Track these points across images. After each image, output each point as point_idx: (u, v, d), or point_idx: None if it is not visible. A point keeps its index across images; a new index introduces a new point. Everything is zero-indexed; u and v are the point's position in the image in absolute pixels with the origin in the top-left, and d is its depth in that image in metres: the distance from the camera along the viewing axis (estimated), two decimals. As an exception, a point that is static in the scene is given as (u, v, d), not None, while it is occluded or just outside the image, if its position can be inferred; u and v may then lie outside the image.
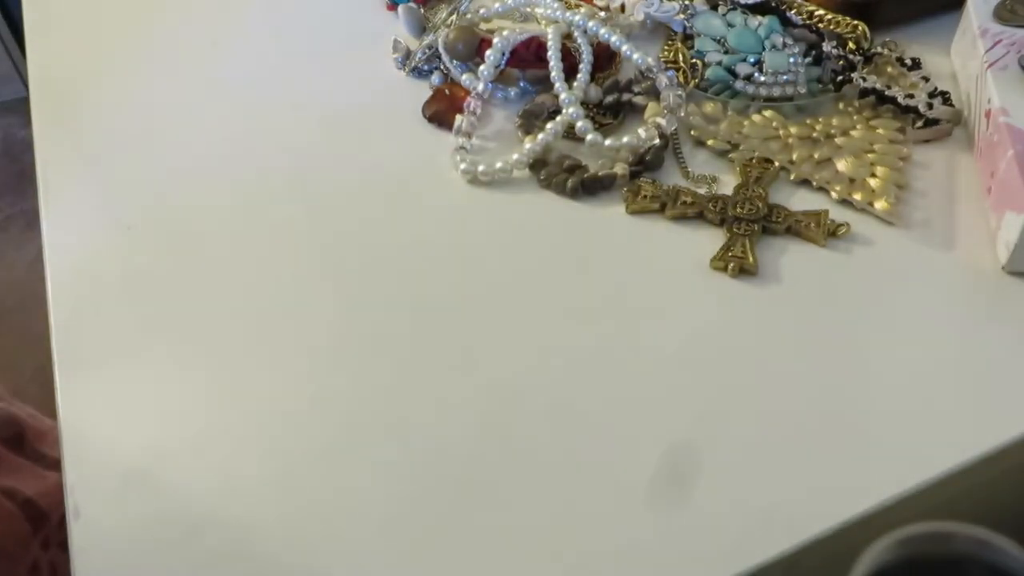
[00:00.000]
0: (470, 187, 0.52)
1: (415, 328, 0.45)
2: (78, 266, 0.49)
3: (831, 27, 0.59)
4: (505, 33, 0.56)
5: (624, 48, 0.56)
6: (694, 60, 0.57)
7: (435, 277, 0.47)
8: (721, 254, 0.46)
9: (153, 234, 0.51)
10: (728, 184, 0.51)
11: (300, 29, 0.66)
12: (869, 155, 0.51)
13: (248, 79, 0.61)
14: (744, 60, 0.56)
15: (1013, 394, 0.40)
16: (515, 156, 0.52)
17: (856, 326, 0.43)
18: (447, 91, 0.58)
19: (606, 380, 0.42)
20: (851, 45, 0.57)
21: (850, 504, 0.36)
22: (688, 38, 0.59)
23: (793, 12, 0.60)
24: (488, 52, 0.56)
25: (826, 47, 0.57)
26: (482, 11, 0.61)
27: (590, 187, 0.50)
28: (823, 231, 0.47)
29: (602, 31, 0.56)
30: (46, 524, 0.60)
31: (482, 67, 0.56)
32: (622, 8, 0.62)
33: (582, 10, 0.58)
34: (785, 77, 0.55)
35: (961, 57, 0.56)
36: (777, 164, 0.51)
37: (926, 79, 0.55)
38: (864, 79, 0.55)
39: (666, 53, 0.59)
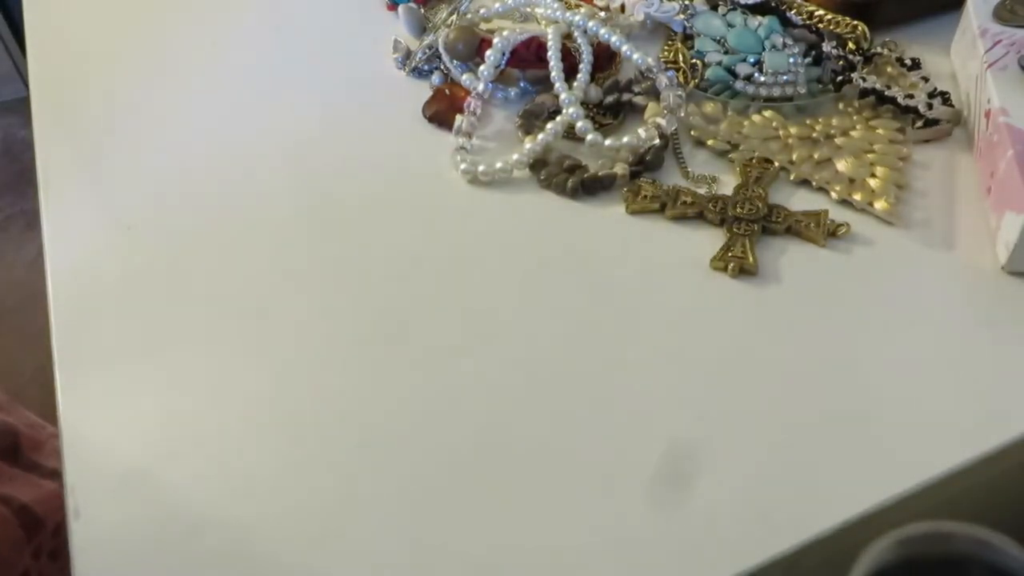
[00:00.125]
0: (470, 187, 0.52)
1: (415, 328, 0.45)
2: (78, 266, 0.49)
3: (831, 27, 0.59)
4: (505, 33, 0.56)
5: (624, 48, 0.56)
6: (694, 60, 0.57)
7: (435, 277, 0.47)
8: (721, 254, 0.46)
9: (153, 234, 0.51)
10: (728, 184, 0.51)
11: (300, 29, 0.66)
12: (869, 155, 0.51)
13: (248, 79, 0.61)
14: (744, 60, 0.56)
15: (1013, 394, 0.40)
16: (515, 156, 0.52)
17: (856, 326, 0.43)
18: (447, 91, 0.58)
19: (606, 380, 0.42)
20: (851, 45, 0.57)
21: (850, 504, 0.36)
22: (688, 38, 0.59)
23: (793, 12, 0.60)
24: (488, 52, 0.56)
25: (826, 47, 0.57)
26: (482, 11, 0.61)
27: (590, 187, 0.50)
28: (823, 231, 0.47)
29: (602, 31, 0.56)
30: (40, 531, 0.60)
31: (482, 67, 0.56)
32: (622, 8, 0.62)
33: (582, 10, 0.58)
34: (785, 77, 0.55)
35: (961, 57, 0.56)
36: (777, 164, 0.51)
37: (926, 79, 0.55)
38: (864, 79, 0.55)
39: (666, 53, 0.59)
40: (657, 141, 0.52)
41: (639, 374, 0.42)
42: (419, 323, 0.45)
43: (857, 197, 0.49)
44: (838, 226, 0.47)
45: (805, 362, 0.42)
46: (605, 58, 0.58)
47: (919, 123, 0.52)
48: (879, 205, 0.48)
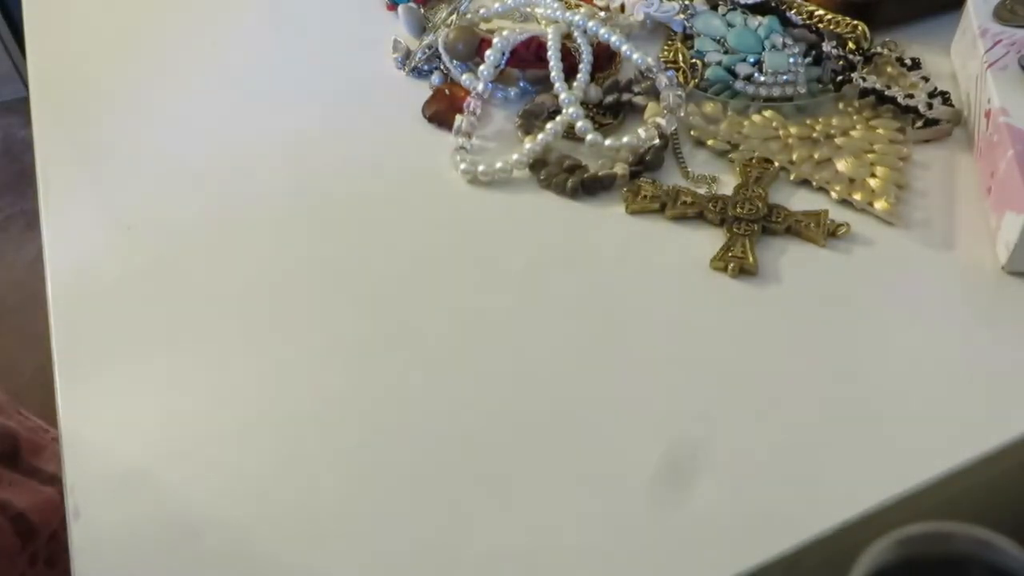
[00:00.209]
0: (470, 187, 0.52)
1: (415, 328, 0.45)
2: (78, 266, 0.49)
3: (831, 27, 0.59)
4: (505, 33, 0.56)
5: (624, 48, 0.56)
6: (694, 60, 0.57)
7: (435, 277, 0.47)
8: (721, 254, 0.46)
9: (153, 234, 0.51)
10: (728, 184, 0.51)
11: (300, 29, 0.66)
12: (869, 155, 0.51)
13: (248, 79, 0.61)
14: (744, 60, 0.56)
15: (1013, 394, 0.40)
16: (515, 156, 0.52)
17: (856, 326, 0.43)
18: (447, 91, 0.58)
19: (606, 380, 0.42)
20: (851, 45, 0.57)
21: (850, 504, 0.36)
22: (688, 38, 0.59)
23: (793, 12, 0.60)
24: (488, 52, 0.56)
25: (826, 47, 0.57)
26: (482, 11, 0.61)
27: (590, 187, 0.50)
28: (823, 231, 0.47)
29: (602, 31, 0.56)
30: (35, 539, 0.60)
31: (482, 67, 0.56)
32: (622, 8, 0.62)
33: (582, 10, 0.58)
34: (785, 77, 0.55)
35: (961, 57, 0.56)
36: (777, 164, 0.51)
37: (926, 79, 0.55)
38: (864, 79, 0.55)
39: (666, 53, 0.59)
40: (657, 141, 0.52)
41: (639, 374, 0.42)
42: (419, 323, 0.45)
43: (857, 197, 0.49)
44: (838, 226, 0.47)
45: (805, 362, 0.42)
46: (605, 58, 0.58)
47: (919, 123, 0.52)
48: (879, 205, 0.48)
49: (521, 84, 0.58)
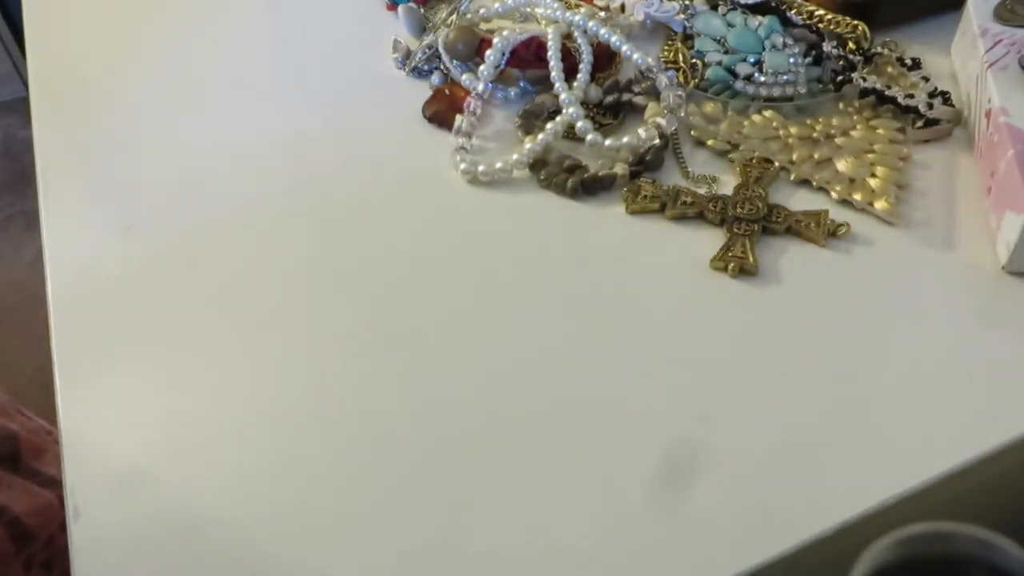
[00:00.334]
0: (470, 187, 0.52)
1: (415, 328, 0.45)
2: (78, 266, 0.49)
3: (831, 27, 0.59)
4: (505, 33, 0.56)
5: (624, 48, 0.56)
6: (694, 60, 0.57)
7: (435, 277, 0.47)
8: (721, 254, 0.46)
9: (153, 234, 0.51)
10: (728, 184, 0.51)
11: (300, 29, 0.66)
12: (869, 155, 0.51)
13: (248, 79, 0.61)
14: (744, 60, 0.56)
15: (1013, 394, 0.40)
16: (515, 156, 0.52)
17: (856, 326, 0.43)
18: (447, 91, 0.58)
19: (606, 380, 0.42)
20: (851, 45, 0.57)
21: (850, 504, 0.36)
22: (688, 38, 0.59)
23: (793, 12, 0.60)
24: (488, 52, 0.56)
25: (826, 47, 0.57)
26: (482, 11, 0.61)
27: (590, 187, 0.50)
28: (823, 231, 0.47)
29: (602, 31, 0.56)
30: (31, 544, 0.60)
31: (482, 67, 0.56)
32: (622, 8, 0.62)
33: (582, 10, 0.58)
34: (785, 77, 0.55)
35: (961, 57, 0.56)
36: (777, 164, 0.51)
37: (926, 79, 0.55)
38: (864, 79, 0.55)
39: (666, 53, 0.59)
40: (657, 141, 0.52)
41: (639, 374, 0.42)
42: (419, 322, 0.45)
43: (857, 197, 0.49)
44: (838, 226, 0.47)
45: (805, 362, 0.42)
46: (605, 58, 0.58)
47: (919, 123, 0.52)
48: (879, 205, 0.48)
49: (521, 84, 0.58)
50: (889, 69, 0.57)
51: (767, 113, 0.54)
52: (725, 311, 0.44)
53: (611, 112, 0.56)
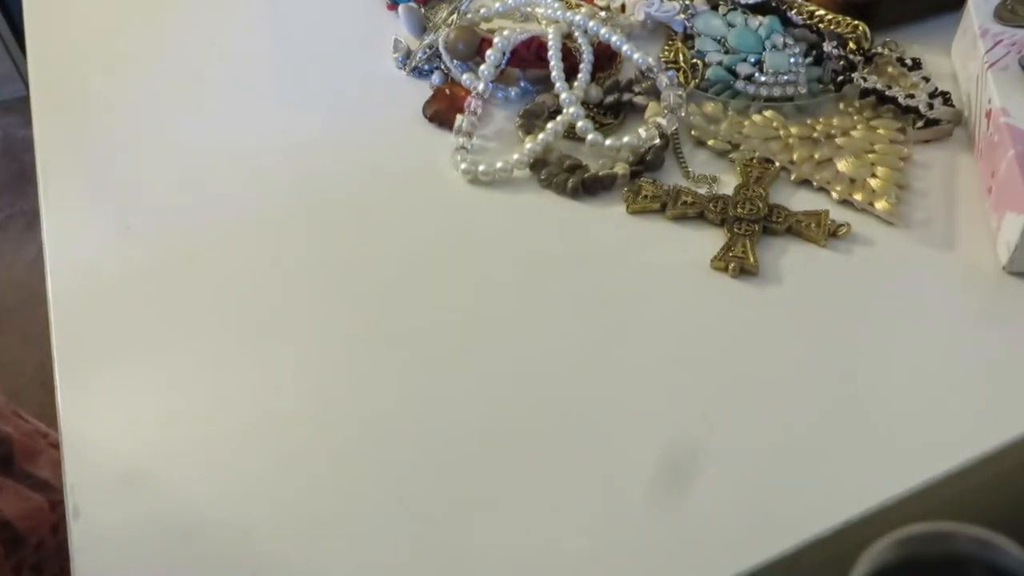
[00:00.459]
0: (470, 187, 0.52)
1: (415, 328, 0.45)
2: (78, 266, 0.49)
3: (831, 27, 0.59)
4: (506, 33, 0.56)
5: (624, 48, 0.56)
6: (694, 60, 0.57)
7: (436, 277, 0.47)
8: (721, 254, 0.46)
9: (153, 234, 0.51)
10: (728, 184, 0.51)
11: (300, 29, 0.66)
12: (870, 155, 0.51)
13: (248, 79, 0.61)
14: (744, 60, 0.56)
15: (1013, 394, 0.40)
16: (515, 156, 0.52)
17: (856, 326, 0.43)
18: (447, 91, 0.58)
19: (606, 380, 0.42)
20: (851, 45, 0.57)
21: (850, 504, 0.36)
22: (688, 38, 0.59)
23: (793, 12, 0.60)
24: (488, 52, 0.56)
25: (826, 47, 0.57)
26: (482, 11, 0.61)
27: (590, 187, 0.50)
28: (823, 231, 0.47)
29: (603, 31, 0.56)
30: (22, 547, 0.60)
31: (482, 67, 0.56)
32: (622, 8, 0.62)
33: (583, 10, 0.58)
34: (785, 77, 0.55)
35: (961, 57, 0.56)
36: (777, 164, 0.51)
37: (926, 79, 0.55)
38: (864, 79, 0.55)
39: (666, 53, 0.59)
40: (657, 141, 0.52)
41: (639, 374, 0.42)
42: (419, 323, 0.45)
43: (858, 197, 0.49)
44: (839, 226, 0.47)
45: (805, 362, 0.42)
46: (605, 58, 0.58)
47: (920, 123, 0.52)
48: (880, 205, 0.48)
49: (521, 84, 0.58)
50: (889, 69, 0.57)
51: (767, 113, 0.54)
52: (725, 311, 0.44)
53: (611, 112, 0.56)
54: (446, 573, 0.36)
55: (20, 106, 1.78)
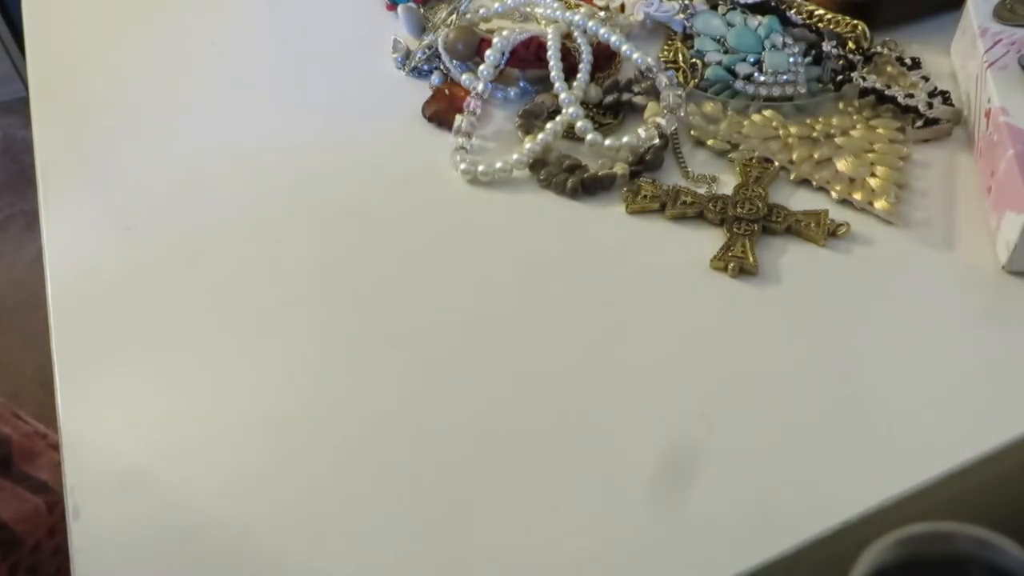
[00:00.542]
0: (470, 187, 0.52)
1: (415, 328, 0.45)
2: (78, 266, 0.49)
3: (831, 27, 0.59)
4: (505, 33, 0.56)
5: (624, 48, 0.56)
6: (694, 60, 0.57)
7: (435, 277, 0.47)
8: (721, 254, 0.46)
9: (153, 234, 0.51)
10: (728, 184, 0.51)
11: (300, 29, 0.66)
12: (869, 155, 0.51)
13: (247, 79, 0.61)
14: (744, 60, 0.56)
15: (1013, 394, 0.40)
16: (515, 156, 0.52)
17: (856, 326, 0.43)
18: (447, 91, 0.58)
19: (606, 380, 0.42)
20: (851, 45, 0.57)
21: (850, 504, 0.36)
22: (688, 38, 0.59)
23: (793, 12, 0.60)
24: (488, 52, 0.56)
25: (826, 47, 0.57)
26: (482, 11, 0.61)
27: (590, 187, 0.50)
28: (823, 231, 0.47)
29: (602, 31, 0.56)
30: (18, 550, 0.60)
31: (482, 67, 0.56)
32: (622, 8, 0.62)
33: (582, 10, 0.58)
34: (785, 77, 0.55)
35: (961, 57, 0.56)
36: (777, 164, 0.51)
37: (926, 79, 0.55)
38: (864, 79, 0.55)
39: (666, 53, 0.59)
40: (657, 141, 0.52)
41: (639, 374, 0.42)
42: (418, 323, 0.45)
43: (857, 197, 0.49)
44: (838, 226, 0.47)
45: (805, 362, 0.42)
46: (605, 58, 0.58)
47: (919, 123, 0.52)
48: (879, 205, 0.48)
49: (521, 84, 0.58)
50: (889, 69, 0.57)
51: (767, 113, 0.54)
52: (725, 311, 0.44)
53: (611, 112, 0.56)
54: (446, 573, 0.36)
55: (20, 106, 1.78)
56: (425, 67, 0.60)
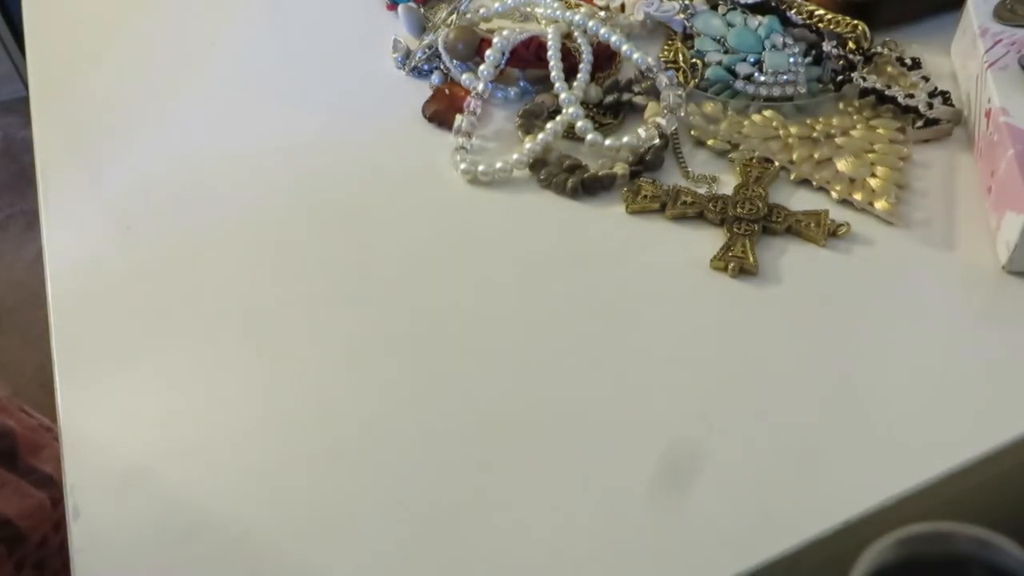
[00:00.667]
0: (470, 187, 0.52)
1: (415, 328, 0.45)
2: (78, 266, 0.49)
3: (831, 27, 0.59)
4: (505, 33, 0.56)
5: (624, 48, 0.56)
6: (694, 60, 0.57)
7: (435, 277, 0.47)
8: (721, 254, 0.46)
9: (153, 234, 0.51)
10: (728, 184, 0.51)
11: (300, 29, 0.66)
12: (869, 155, 0.51)
13: (247, 79, 0.61)
14: (744, 60, 0.56)
15: (1013, 394, 0.40)
16: (515, 156, 0.52)
17: (856, 326, 0.43)
18: (447, 91, 0.58)
19: (606, 380, 0.42)
20: (851, 45, 0.57)
21: (850, 504, 0.36)
22: (688, 38, 0.59)
23: (793, 12, 0.60)
24: (488, 52, 0.56)
25: (826, 47, 0.57)
26: (482, 11, 0.61)
27: (590, 187, 0.50)
28: (823, 231, 0.47)
29: (602, 31, 0.56)
30: (23, 545, 0.60)
31: (482, 67, 0.56)
32: (622, 8, 0.62)
33: (582, 10, 0.58)
34: (785, 77, 0.55)
35: (961, 57, 0.56)
36: (777, 164, 0.51)
37: (926, 79, 0.55)
38: (864, 79, 0.55)
39: (666, 53, 0.59)
40: (657, 141, 0.52)
41: (639, 374, 0.42)
42: (418, 323, 0.45)
43: (857, 197, 0.49)
44: (838, 226, 0.47)
45: (805, 362, 0.42)
46: (605, 58, 0.58)
47: (919, 123, 0.52)
48: (879, 205, 0.48)
49: (521, 84, 0.58)
50: (889, 69, 0.57)
51: (767, 113, 0.54)
52: (725, 311, 0.44)
53: (611, 112, 0.56)
54: (446, 573, 0.36)
55: (20, 106, 1.78)
56: (425, 67, 0.60)
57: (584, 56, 0.55)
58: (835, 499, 0.37)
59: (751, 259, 0.46)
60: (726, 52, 0.57)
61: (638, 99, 0.55)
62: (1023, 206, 0.43)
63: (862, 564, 0.27)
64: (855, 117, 0.54)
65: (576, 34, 0.57)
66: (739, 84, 0.55)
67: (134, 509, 0.38)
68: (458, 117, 0.55)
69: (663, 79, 0.55)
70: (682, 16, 0.60)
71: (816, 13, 0.59)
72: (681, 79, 0.56)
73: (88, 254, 0.50)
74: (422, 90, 0.59)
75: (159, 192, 0.53)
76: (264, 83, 0.61)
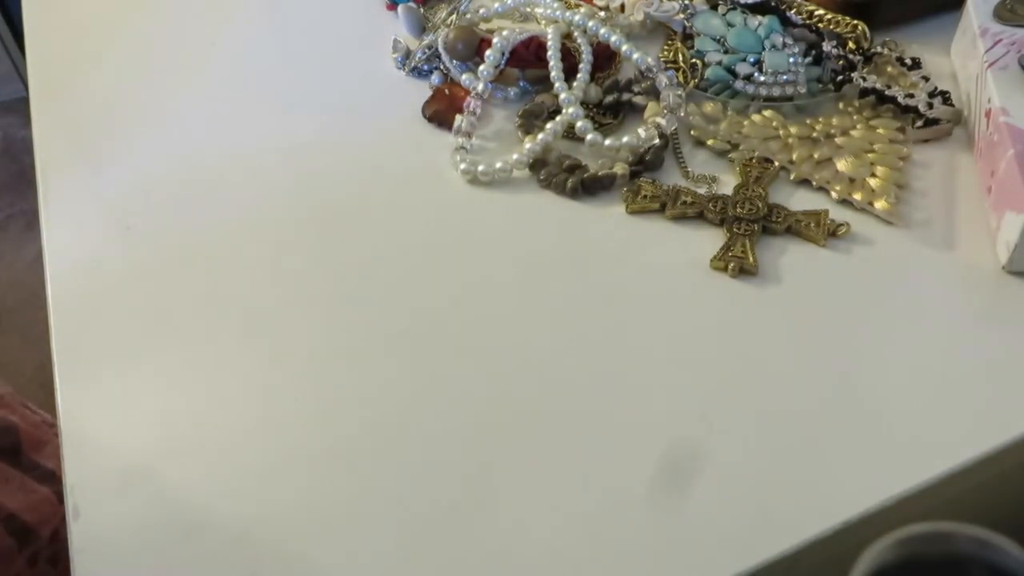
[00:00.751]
0: (470, 187, 0.52)
1: (415, 328, 0.45)
2: (78, 266, 0.49)
3: (831, 27, 0.59)
4: (505, 33, 0.56)
5: (624, 48, 0.56)
6: (694, 60, 0.57)
7: (435, 277, 0.47)
8: (721, 254, 0.46)
9: (153, 234, 0.51)
10: (728, 184, 0.51)
11: (300, 29, 0.66)
12: (869, 155, 0.51)
13: (247, 79, 0.61)
14: (744, 60, 0.56)
15: (1013, 394, 0.40)
16: (515, 156, 0.52)
17: (856, 326, 0.43)
18: (447, 91, 0.58)
19: (606, 380, 0.42)
20: (851, 45, 0.57)
21: (850, 504, 0.36)
22: (688, 38, 0.59)
23: (793, 12, 0.60)
24: (488, 52, 0.56)
25: (826, 47, 0.57)
26: (482, 11, 0.61)
27: (590, 187, 0.50)
28: (823, 231, 0.47)
29: (602, 31, 0.56)
30: (34, 539, 0.60)
31: (482, 67, 0.56)
32: (622, 8, 0.62)
33: (582, 10, 0.58)
34: (785, 77, 0.55)
35: (961, 57, 0.56)
36: (777, 164, 0.51)
37: (926, 79, 0.55)
38: (864, 79, 0.55)
39: (666, 53, 0.59)
40: (657, 141, 0.52)
41: (639, 374, 0.42)
42: (418, 323, 0.45)
43: (857, 197, 0.49)
44: (838, 226, 0.47)
45: (805, 362, 0.42)
46: (605, 58, 0.58)
47: (919, 123, 0.52)
48: (879, 205, 0.48)
49: (521, 84, 0.58)
50: (889, 69, 0.57)
51: (767, 113, 0.54)
52: (725, 311, 0.44)
53: (611, 112, 0.56)
54: (446, 573, 0.36)
55: (20, 106, 1.78)
56: (425, 67, 0.60)
57: (584, 56, 0.55)
58: (835, 499, 0.37)
59: (751, 259, 0.46)
60: (726, 52, 0.57)
61: (638, 99, 0.55)
62: (1023, 206, 0.43)
63: (862, 564, 0.27)
64: (855, 117, 0.54)
65: (576, 34, 0.57)
66: (739, 84, 0.55)
67: (134, 509, 0.38)
68: (458, 117, 0.55)
69: (663, 79, 0.55)
70: (682, 16, 0.60)
71: (816, 13, 0.59)
72: (681, 79, 0.56)
73: (88, 254, 0.50)
74: (422, 90, 0.59)
75: (159, 192, 0.53)
76: (264, 83, 0.61)
